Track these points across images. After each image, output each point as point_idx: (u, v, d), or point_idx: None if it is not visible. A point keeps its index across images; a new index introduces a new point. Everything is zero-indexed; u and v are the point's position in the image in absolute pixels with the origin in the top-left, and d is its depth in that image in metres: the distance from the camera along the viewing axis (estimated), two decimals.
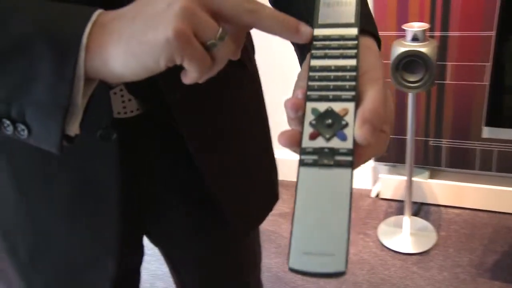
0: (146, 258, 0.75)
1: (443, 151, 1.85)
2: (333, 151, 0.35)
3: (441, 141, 1.83)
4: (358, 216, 1.93)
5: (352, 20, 0.40)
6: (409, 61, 1.46)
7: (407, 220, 1.75)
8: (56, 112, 0.36)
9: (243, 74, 0.65)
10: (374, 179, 2.06)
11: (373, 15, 1.71)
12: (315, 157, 0.35)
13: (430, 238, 1.75)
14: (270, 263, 1.73)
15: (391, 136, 2.04)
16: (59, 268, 0.61)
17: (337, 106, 0.36)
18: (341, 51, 0.39)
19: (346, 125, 0.35)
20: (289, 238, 0.32)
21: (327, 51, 0.39)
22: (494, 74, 1.39)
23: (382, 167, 2.00)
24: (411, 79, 1.49)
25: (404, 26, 1.47)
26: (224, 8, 0.35)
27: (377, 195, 2.03)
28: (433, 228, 1.80)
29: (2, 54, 0.35)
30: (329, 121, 0.36)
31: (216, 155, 0.63)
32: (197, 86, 0.58)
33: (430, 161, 1.89)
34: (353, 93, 0.36)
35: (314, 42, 0.40)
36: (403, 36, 1.47)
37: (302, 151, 0.35)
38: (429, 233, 1.78)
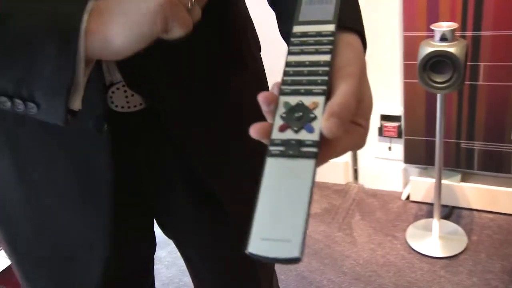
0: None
1: (475, 154, 1.80)
2: (300, 143, 0.36)
3: (474, 143, 1.79)
4: (387, 218, 1.91)
5: (330, 17, 0.41)
6: (437, 62, 1.45)
7: (436, 223, 1.72)
8: (61, 91, 0.41)
9: (244, 72, 0.67)
10: (404, 181, 2.04)
11: (402, 15, 1.68)
12: (282, 148, 0.36)
13: (460, 242, 1.71)
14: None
15: (422, 139, 1.98)
16: (53, 247, 0.64)
17: (307, 100, 0.37)
18: (316, 47, 0.40)
19: (315, 118, 0.36)
20: (251, 224, 0.33)
21: (303, 47, 0.40)
22: None
23: (413, 169, 1.98)
24: (439, 80, 1.47)
25: (432, 26, 1.46)
26: None
27: (408, 198, 2.01)
28: (464, 232, 1.76)
29: (11, 44, 0.41)
30: (299, 114, 0.37)
31: (216, 155, 0.65)
32: (195, 85, 0.61)
33: (462, 163, 1.84)
34: (324, 87, 0.38)
35: (292, 39, 0.41)
36: (432, 36, 1.45)
37: (271, 143, 0.37)
38: (460, 237, 1.74)
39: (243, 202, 0.69)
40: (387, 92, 1.91)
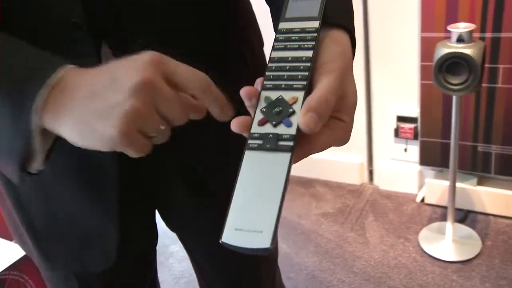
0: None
1: (492, 157, 1.78)
2: (277, 137, 0.36)
3: (491, 146, 1.76)
4: (401, 220, 1.90)
5: (316, 14, 0.41)
6: (453, 63, 1.43)
7: (449, 226, 1.71)
8: (13, 158, 0.41)
9: (244, 70, 0.67)
10: (420, 183, 2.03)
11: (420, 16, 1.65)
12: (260, 141, 0.37)
13: (474, 247, 1.69)
14: (307, 261, 1.76)
15: (438, 141, 1.95)
16: (70, 235, 0.66)
17: (287, 95, 0.38)
18: (300, 43, 0.40)
19: (293, 112, 0.37)
20: (226, 215, 0.35)
21: (287, 43, 0.41)
22: None
23: (429, 171, 1.96)
24: (455, 82, 1.45)
25: (449, 27, 1.44)
26: (181, 83, 0.39)
27: (422, 200, 1.99)
28: (478, 236, 1.73)
29: None
30: (278, 108, 0.38)
31: (213, 152, 0.66)
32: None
33: (479, 167, 1.82)
34: (304, 82, 0.38)
35: (277, 35, 0.41)
36: (449, 38, 1.44)
37: (250, 136, 0.37)
38: (474, 241, 1.72)
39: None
40: (404, 93, 1.91)
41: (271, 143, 0.36)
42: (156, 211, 0.76)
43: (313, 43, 0.40)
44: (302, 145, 0.37)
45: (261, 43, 0.74)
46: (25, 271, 1.31)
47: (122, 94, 0.37)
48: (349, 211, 2.01)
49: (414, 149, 1.97)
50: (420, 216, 1.91)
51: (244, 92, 0.39)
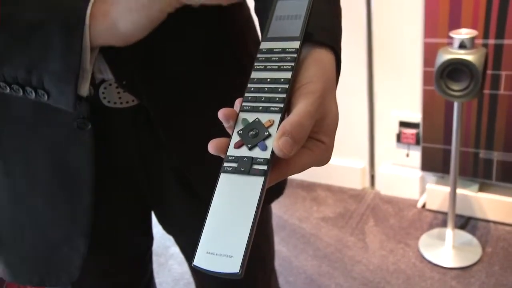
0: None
1: (494, 164, 1.78)
2: (252, 160, 0.36)
3: (492, 153, 1.77)
4: (401, 225, 1.91)
5: (297, 34, 0.40)
6: (455, 69, 1.44)
7: (450, 233, 1.71)
8: (69, 78, 0.43)
9: (240, 73, 0.65)
10: (421, 189, 2.03)
11: (424, 22, 1.65)
12: (235, 164, 0.36)
13: (474, 254, 1.70)
14: (306, 265, 1.76)
15: (440, 146, 1.94)
16: (36, 243, 0.65)
17: (264, 117, 0.37)
18: (279, 63, 0.39)
19: (269, 136, 0.36)
20: (198, 238, 0.35)
21: (267, 63, 0.40)
22: None
23: (430, 177, 1.97)
24: (456, 88, 1.46)
25: (451, 33, 1.45)
26: None
27: (423, 206, 2.00)
28: (478, 243, 1.74)
29: (22, 34, 0.43)
30: (255, 131, 0.37)
31: (206, 153, 0.66)
32: (187, 85, 0.61)
33: (480, 173, 1.83)
34: (281, 105, 0.37)
35: (258, 55, 0.41)
36: (451, 44, 1.45)
37: (226, 159, 0.37)
38: (474, 248, 1.72)
39: None
40: (407, 99, 1.92)
41: (245, 167, 0.36)
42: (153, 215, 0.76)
43: (293, 64, 0.39)
44: (280, 166, 0.37)
45: (257, 42, 0.73)
46: None
47: None
48: (350, 216, 2.02)
49: (416, 155, 1.98)
50: (421, 221, 1.92)
51: (221, 113, 0.38)
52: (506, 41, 1.57)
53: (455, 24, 1.62)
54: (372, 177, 2.19)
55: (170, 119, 0.61)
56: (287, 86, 0.38)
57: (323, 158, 0.39)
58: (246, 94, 0.39)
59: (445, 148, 1.84)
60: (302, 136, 0.36)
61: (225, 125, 0.39)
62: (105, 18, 0.43)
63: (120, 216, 0.69)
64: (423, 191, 2.03)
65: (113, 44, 0.45)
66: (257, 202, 0.34)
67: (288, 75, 0.38)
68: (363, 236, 1.88)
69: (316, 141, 0.39)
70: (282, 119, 0.37)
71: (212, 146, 0.38)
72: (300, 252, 1.84)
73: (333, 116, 0.40)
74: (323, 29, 0.44)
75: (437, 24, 1.66)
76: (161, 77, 0.59)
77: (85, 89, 0.45)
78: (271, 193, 0.76)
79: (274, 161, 0.37)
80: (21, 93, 0.45)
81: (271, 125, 0.37)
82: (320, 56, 0.42)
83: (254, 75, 0.40)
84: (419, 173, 2.00)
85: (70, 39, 0.42)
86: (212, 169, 0.67)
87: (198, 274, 0.86)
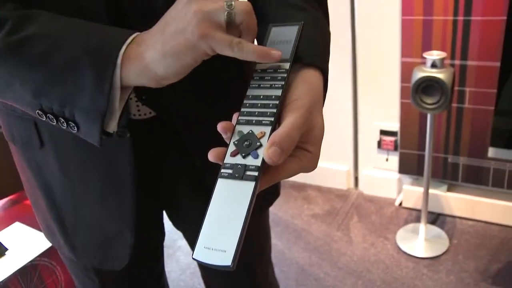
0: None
1: (460, 168, 1.92)
2: (245, 167, 0.38)
3: (459, 158, 1.90)
4: (381, 221, 2.02)
5: (288, 56, 0.43)
6: (428, 85, 1.55)
7: (422, 227, 1.85)
8: (96, 116, 0.42)
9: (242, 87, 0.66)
10: (398, 189, 2.14)
11: (401, 44, 1.78)
12: (230, 171, 0.38)
13: (442, 245, 1.83)
14: (298, 257, 1.85)
15: (415, 152, 2.09)
16: (95, 238, 0.68)
17: (257, 130, 0.40)
18: (271, 82, 0.42)
19: (260, 146, 0.39)
20: (197, 234, 0.37)
21: (261, 82, 0.43)
22: (498, 100, 1.48)
23: (406, 179, 2.09)
24: (429, 101, 1.58)
25: (424, 54, 1.58)
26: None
27: (400, 204, 2.11)
28: (446, 236, 1.87)
29: (58, 71, 0.42)
30: (248, 142, 0.39)
31: (209, 147, 0.57)
32: (200, 98, 0.62)
33: (449, 175, 1.95)
34: (271, 119, 0.40)
35: (254, 75, 0.43)
36: (425, 63, 1.57)
37: (223, 166, 0.39)
38: (442, 240, 1.86)
39: None
40: (387, 110, 2.02)
41: (239, 173, 0.38)
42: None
43: (283, 82, 0.41)
44: (270, 172, 0.39)
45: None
46: (54, 258, 1.41)
47: (188, 13, 0.40)
48: (336, 213, 2.10)
49: (394, 159, 2.09)
50: (398, 218, 2.03)
51: (220, 126, 0.41)
52: (469, 62, 1.72)
53: (427, 46, 1.76)
54: (356, 179, 2.27)
55: (189, 128, 0.62)
56: (277, 102, 0.40)
57: (309, 166, 0.41)
58: (242, 109, 0.42)
59: (419, 153, 1.96)
60: (290, 146, 0.38)
61: (224, 136, 0.41)
62: (139, 61, 0.41)
63: (138, 217, 0.68)
64: (400, 191, 2.14)
65: (146, 85, 0.44)
66: (248, 203, 0.36)
67: (278, 92, 0.41)
68: (348, 231, 1.97)
69: (304, 150, 0.41)
70: (272, 131, 0.39)
71: (212, 155, 0.40)
72: (293, 245, 1.91)
73: (319, 129, 0.42)
74: (312, 52, 0.47)
75: (412, 46, 1.80)
76: (180, 92, 0.58)
77: (112, 127, 0.44)
78: (270, 197, 0.80)
79: (265, 168, 0.39)
80: (55, 122, 0.45)
81: (262, 136, 0.39)
82: (308, 76, 0.44)
83: (249, 92, 0.42)
84: (397, 175, 2.11)
85: (100, 81, 0.41)
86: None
87: (204, 266, 0.89)
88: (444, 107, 1.58)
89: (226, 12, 0.41)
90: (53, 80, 0.43)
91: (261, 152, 0.38)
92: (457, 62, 1.76)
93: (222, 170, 0.39)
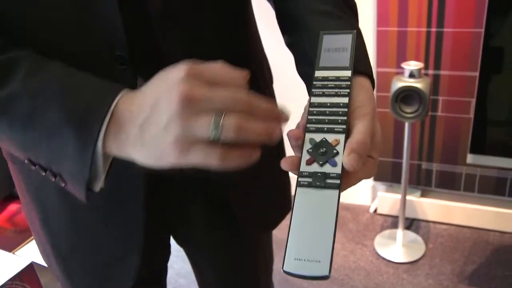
0: (171, 258, 0.80)
1: (433, 174, 2.00)
2: (325, 175, 0.39)
3: (432, 164, 1.98)
4: (358, 228, 2.06)
5: (347, 64, 0.44)
6: (406, 95, 1.61)
7: (400, 233, 1.91)
8: (80, 181, 0.43)
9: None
10: (373, 196, 2.20)
11: (376, 54, 1.82)
12: (309, 179, 0.39)
13: (419, 250, 1.90)
14: (280, 267, 1.82)
15: (389, 160, 2.14)
16: (95, 261, 0.66)
17: (330, 137, 0.40)
18: (336, 90, 0.43)
19: (337, 153, 0.39)
20: (285, 246, 0.37)
21: (324, 90, 0.43)
22: (478, 109, 1.56)
23: (380, 186, 2.15)
24: (408, 110, 1.63)
25: (403, 65, 1.63)
26: (221, 81, 0.40)
27: (375, 211, 2.16)
28: (422, 241, 1.94)
29: (42, 134, 0.43)
30: (323, 149, 0.40)
31: (234, 172, 0.63)
32: None
33: (422, 181, 2.03)
34: (344, 126, 0.41)
35: (314, 82, 0.44)
36: (402, 73, 1.62)
37: (300, 174, 0.39)
38: (419, 245, 1.92)
39: (252, 209, 0.73)
40: None
41: (320, 181, 0.38)
42: None
43: (348, 90, 0.42)
44: (342, 181, 0.40)
45: (271, 80, 0.76)
46: (27, 280, 1.33)
47: (168, 117, 0.38)
48: None
49: None
50: (374, 224, 2.09)
51: (291, 133, 0.42)
52: (442, 72, 1.81)
53: (402, 56, 1.82)
54: None
55: None
56: (346, 109, 0.41)
57: (372, 172, 0.42)
58: (309, 117, 0.42)
59: (393, 161, 2.03)
60: (366, 153, 0.40)
61: (292, 143, 0.42)
62: (120, 150, 0.42)
63: (146, 239, 0.68)
64: (374, 197, 2.20)
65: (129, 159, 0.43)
66: (335, 212, 0.37)
67: (345, 100, 0.42)
68: None
69: (368, 157, 0.42)
70: (346, 138, 0.40)
71: (286, 163, 0.40)
72: (275, 255, 1.91)
73: (379, 135, 0.44)
74: (362, 60, 0.48)
75: (387, 56, 1.86)
76: None
77: (97, 187, 0.45)
78: (281, 214, 0.80)
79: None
80: (44, 174, 0.46)
81: (337, 144, 0.40)
82: (365, 84, 0.46)
83: (314, 99, 0.43)
84: (371, 182, 2.17)
85: (82, 152, 0.42)
86: (250, 193, 0.70)
87: (203, 274, 0.87)
88: (422, 116, 1.63)
89: (212, 132, 0.37)
90: (36, 142, 0.44)
91: (339, 159, 0.39)
92: (431, 71, 1.84)
93: (300, 179, 0.39)
